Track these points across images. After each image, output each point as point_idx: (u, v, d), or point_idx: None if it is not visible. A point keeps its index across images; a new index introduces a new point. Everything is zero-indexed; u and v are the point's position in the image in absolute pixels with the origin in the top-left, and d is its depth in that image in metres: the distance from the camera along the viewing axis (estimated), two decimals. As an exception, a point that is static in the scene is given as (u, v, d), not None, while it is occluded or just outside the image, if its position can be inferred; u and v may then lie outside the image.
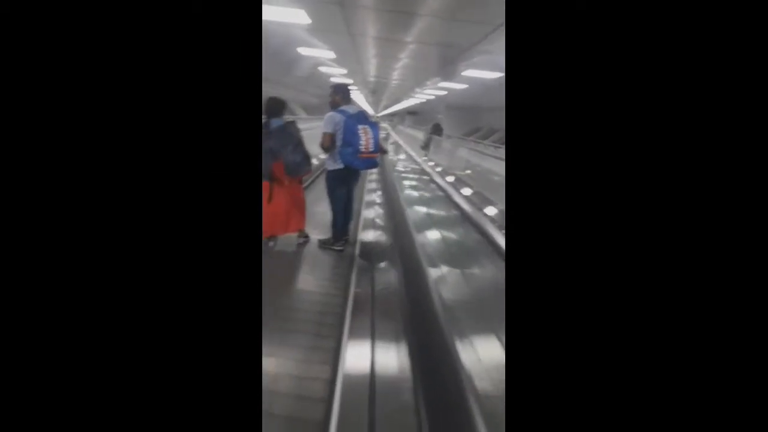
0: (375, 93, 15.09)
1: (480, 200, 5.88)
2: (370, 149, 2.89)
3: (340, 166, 2.95)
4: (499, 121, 11.51)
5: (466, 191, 6.32)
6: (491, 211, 5.48)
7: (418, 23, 3.90)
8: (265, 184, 2.87)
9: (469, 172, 7.41)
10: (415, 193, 5.96)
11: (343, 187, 3.09)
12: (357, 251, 3.23)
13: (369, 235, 3.66)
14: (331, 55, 6.27)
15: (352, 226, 3.43)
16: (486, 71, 6.29)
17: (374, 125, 2.99)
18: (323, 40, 5.31)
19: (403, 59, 6.24)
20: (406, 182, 6.65)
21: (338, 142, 2.89)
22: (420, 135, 15.07)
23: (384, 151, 3.33)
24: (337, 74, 8.80)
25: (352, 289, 2.50)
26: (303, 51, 6.06)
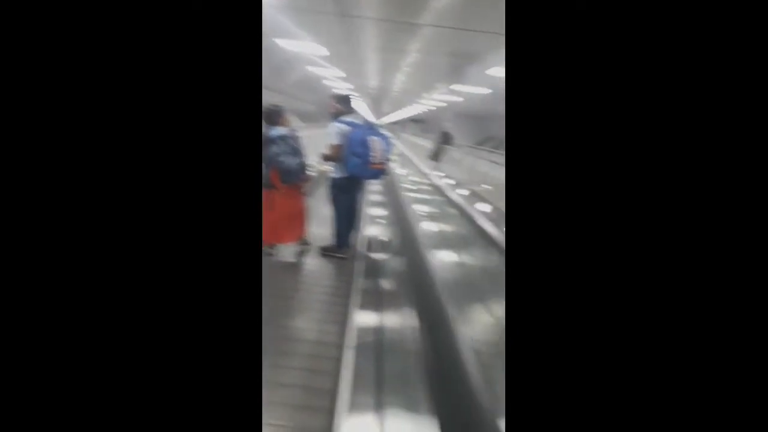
0: (376, 100, 14.48)
1: (501, 217, 5.10)
2: (381, 160, 2.90)
3: (345, 174, 2.92)
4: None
5: (484, 207, 5.55)
6: None
7: (423, 31, 3.87)
8: (265, 192, 2.85)
9: (486, 186, 6.61)
10: (425, 209, 5.18)
11: (346, 196, 3.08)
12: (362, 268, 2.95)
13: (375, 252, 3.37)
14: (324, 52, 5.60)
15: (353, 237, 3.36)
16: (498, 77, 5.57)
17: (384, 136, 2.99)
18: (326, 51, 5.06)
19: (407, 67, 6.00)
20: (415, 195, 5.88)
21: (345, 152, 2.87)
22: (427, 144, 14.43)
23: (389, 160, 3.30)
24: (331, 76, 8.02)
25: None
26: (287, 44, 5.35)
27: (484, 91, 6.85)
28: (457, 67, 5.55)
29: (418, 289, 2.85)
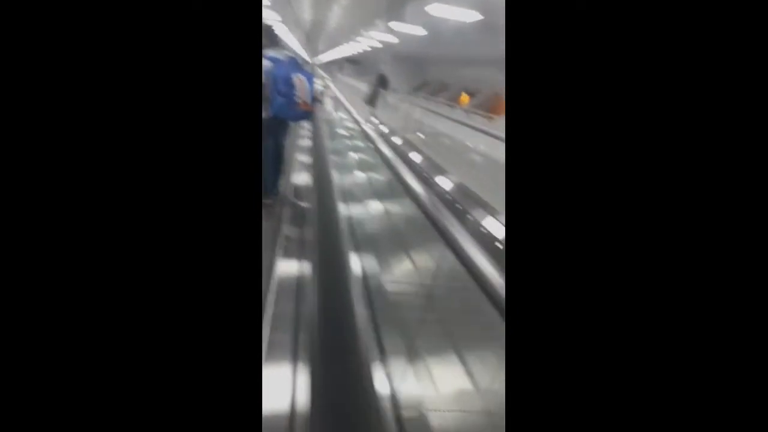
0: (310, 37, 13.52)
1: (431, 168, 5.02)
2: (306, 100, 2.77)
3: (268, 115, 2.73)
4: (450, 75, 10.50)
5: (416, 156, 5.42)
6: (446, 183, 4.67)
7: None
8: None
9: (420, 135, 6.47)
10: (356, 157, 4.99)
11: (270, 139, 2.87)
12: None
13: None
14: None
15: (280, 183, 3.22)
16: (437, 17, 5.26)
17: (310, 75, 2.88)
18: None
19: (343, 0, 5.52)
20: (347, 143, 5.63)
21: (269, 91, 2.70)
22: (362, 87, 13.89)
23: (319, 101, 3.25)
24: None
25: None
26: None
27: (422, 31, 6.51)
28: (396, 3, 5.18)
29: (340, 237, 2.81)
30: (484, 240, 3.38)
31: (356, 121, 4.49)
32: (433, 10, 4.89)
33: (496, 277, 1.03)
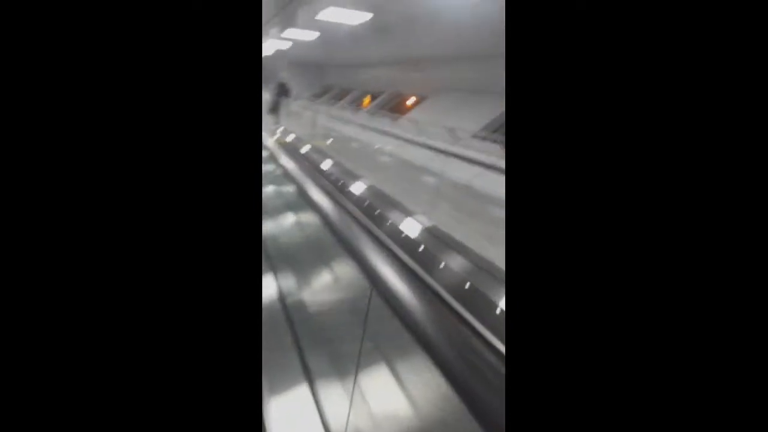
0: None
1: (343, 174, 4.99)
2: None
3: None
4: (350, 79, 10.55)
5: (327, 164, 5.35)
6: (359, 187, 4.66)
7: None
8: None
9: (328, 141, 6.38)
10: (266, 168, 4.77)
11: None
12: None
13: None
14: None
15: None
16: (330, 21, 5.19)
17: None
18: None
19: None
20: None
21: None
22: (264, 96, 13.35)
23: None
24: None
25: None
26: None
27: (313, 36, 6.43)
28: (287, 11, 5.05)
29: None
30: (406, 244, 3.41)
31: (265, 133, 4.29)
32: (324, 15, 4.84)
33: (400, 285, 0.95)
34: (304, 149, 5.81)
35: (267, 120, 8.20)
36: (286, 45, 8.12)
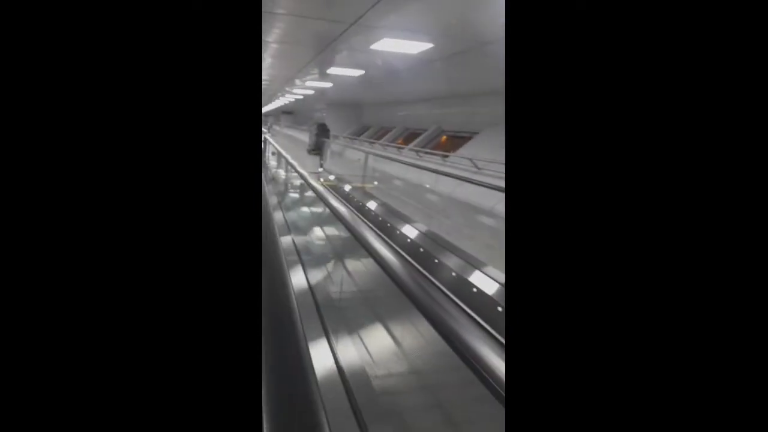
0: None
1: (395, 218, 4.59)
2: None
3: None
4: (386, 118, 10.38)
5: (378, 209, 4.98)
6: (411, 231, 4.24)
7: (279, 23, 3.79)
8: None
9: (375, 183, 6.07)
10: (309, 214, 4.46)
11: None
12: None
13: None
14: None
15: None
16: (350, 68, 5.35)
17: None
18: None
19: (269, 57, 5.79)
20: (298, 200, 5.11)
21: None
22: (298, 135, 13.49)
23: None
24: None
25: None
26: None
27: (353, 73, 6.24)
28: (322, 55, 4.99)
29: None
30: (478, 304, 2.93)
31: (304, 179, 3.99)
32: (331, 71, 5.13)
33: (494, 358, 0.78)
34: (352, 192, 5.51)
35: (309, 161, 8.01)
36: (326, 84, 8.02)
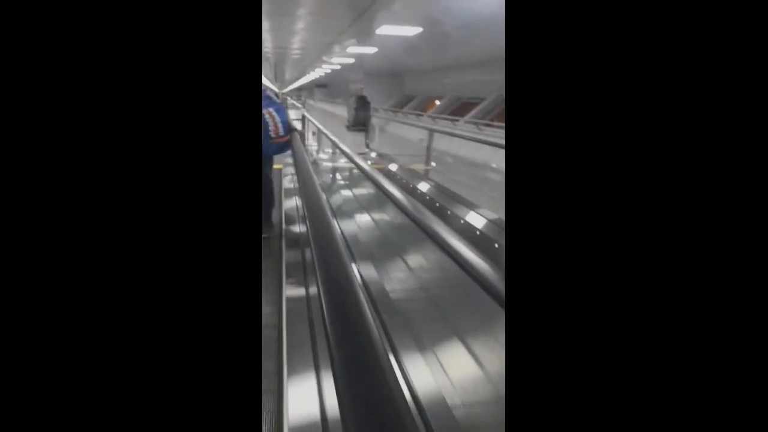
0: (277, 68, 12.49)
1: (460, 207, 3.81)
2: (280, 133, 2.75)
3: None
4: (431, 88, 9.40)
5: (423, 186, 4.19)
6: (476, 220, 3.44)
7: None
8: None
9: (433, 163, 5.23)
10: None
11: None
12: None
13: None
14: None
15: (273, 214, 3.11)
16: (406, 26, 5.14)
17: (280, 107, 2.84)
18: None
19: (301, 30, 5.58)
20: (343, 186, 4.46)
21: None
22: (333, 109, 12.70)
23: (294, 129, 3.05)
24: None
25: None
26: None
27: (408, 32, 5.43)
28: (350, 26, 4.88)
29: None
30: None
31: (351, 160, 3.25)
32: (385, 30, 5.10)
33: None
34: (403, 174, 4.77)
35: (350, 138, 7.25)
36: (369, 50, 7.17)
